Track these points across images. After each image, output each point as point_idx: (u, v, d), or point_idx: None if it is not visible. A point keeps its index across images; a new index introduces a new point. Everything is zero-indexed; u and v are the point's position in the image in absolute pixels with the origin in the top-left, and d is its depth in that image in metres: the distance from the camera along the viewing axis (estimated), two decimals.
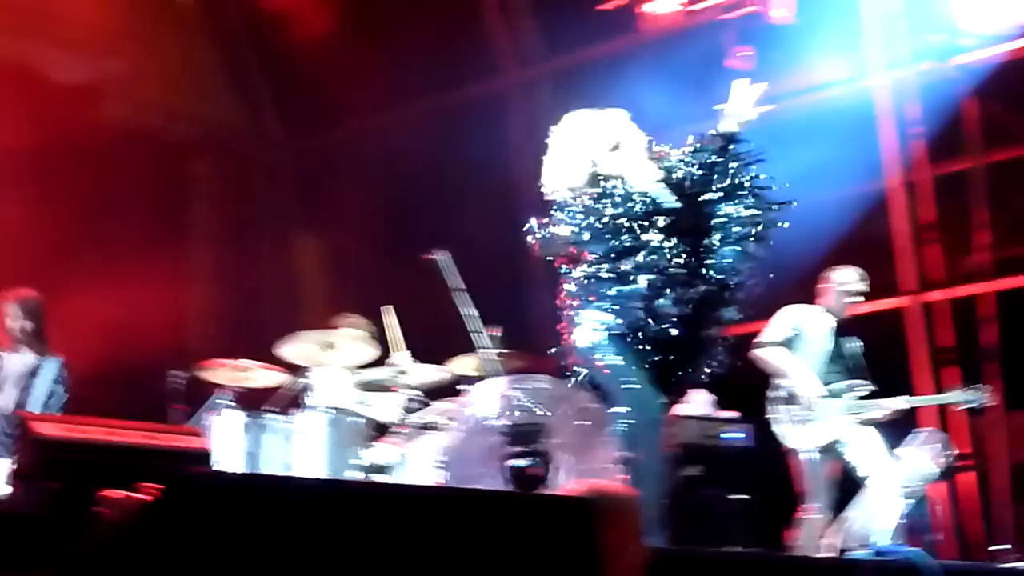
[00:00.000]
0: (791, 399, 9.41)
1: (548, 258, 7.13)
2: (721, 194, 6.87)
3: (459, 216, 13.07)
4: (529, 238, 7.00)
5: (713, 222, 6.84)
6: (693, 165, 6.93)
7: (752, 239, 6.94)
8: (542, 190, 7.34)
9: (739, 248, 6.93)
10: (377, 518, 4.00)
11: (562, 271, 7.11)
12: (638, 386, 6.83)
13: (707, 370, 7.02)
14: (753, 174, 6.97)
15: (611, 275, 6.87)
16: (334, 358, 9.62)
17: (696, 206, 6.86)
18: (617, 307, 6.85)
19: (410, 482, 8.64)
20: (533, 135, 13.42)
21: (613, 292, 6.87)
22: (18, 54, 13.26)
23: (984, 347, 12.82)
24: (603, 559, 4.16)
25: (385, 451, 9.46)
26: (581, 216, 6.91)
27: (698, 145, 6.98)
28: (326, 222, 15.47)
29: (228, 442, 8.93)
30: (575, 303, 6.96)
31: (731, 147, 6.90)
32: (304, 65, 14.91)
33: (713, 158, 6.87)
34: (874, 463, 9.08)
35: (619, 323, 6.77)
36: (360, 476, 8.97)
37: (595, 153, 7.27)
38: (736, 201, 6.90)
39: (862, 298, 9.82)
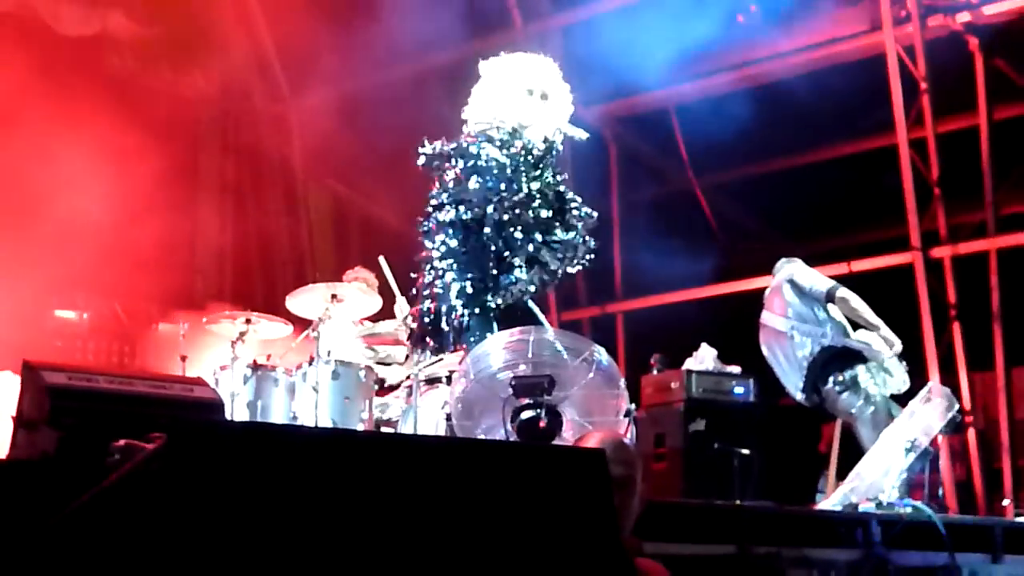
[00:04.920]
0: (876, 346, 9.19)
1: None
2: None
3: None
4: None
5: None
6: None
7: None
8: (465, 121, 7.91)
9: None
10: (384, 468, 4.00)
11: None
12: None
13: None
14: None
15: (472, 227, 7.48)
16: (341, 311, 9.61)
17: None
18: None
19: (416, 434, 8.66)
20: None
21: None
22: (23, 4, 13.21)
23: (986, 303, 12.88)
24: (613, 511, 4.18)
25: (391, 404, 9.48)
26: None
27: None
28: (333, 176, 15.49)
29: (234, 396, 8.95)
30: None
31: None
32: (307, 21, 14.86)
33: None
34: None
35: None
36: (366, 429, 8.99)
37: (526, 96, 7.66)
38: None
39: None
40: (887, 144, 13.26)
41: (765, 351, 9.64)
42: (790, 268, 9.60)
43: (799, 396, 9.43)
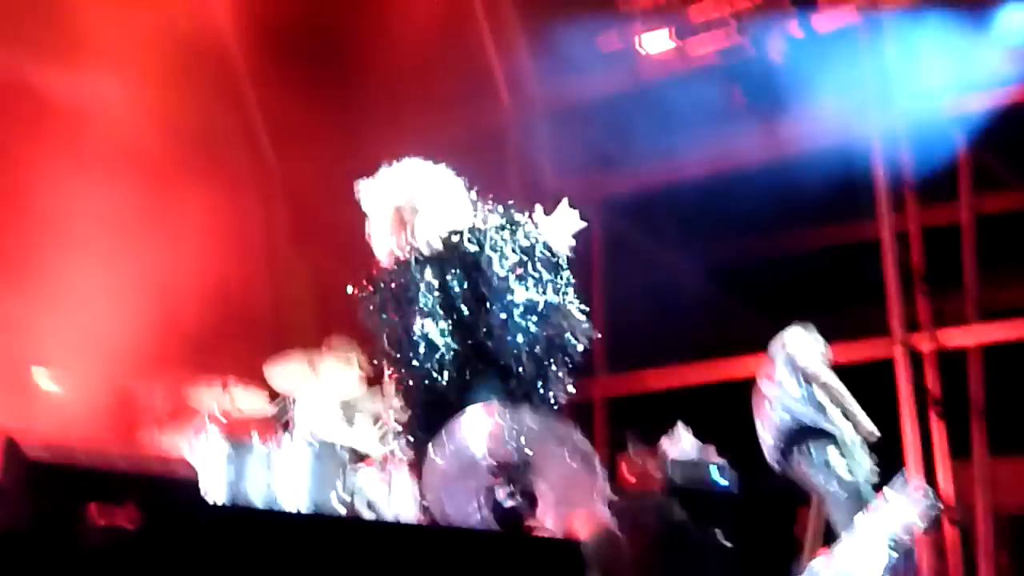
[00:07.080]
0: (846, 431, 9.22)
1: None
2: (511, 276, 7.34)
3: None
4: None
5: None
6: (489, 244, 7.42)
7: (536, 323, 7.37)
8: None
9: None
10: (360, 552, 3.98)
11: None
12: None
13: None
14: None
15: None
16: (319, 384, 9.59)
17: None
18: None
19: (392, 514, 8.60)
20: (528, 170, 13.48)
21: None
22: (15, 69, 13.21)
23: (968, 394, 12.89)
24: None
25: (368, 481, 9.42)
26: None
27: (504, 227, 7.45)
28: (317, 246, 15.47)
29: (209, 467, 8.90)
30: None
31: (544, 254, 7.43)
32: (297, 90, 14.90)
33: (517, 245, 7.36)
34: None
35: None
36: (341, 506, 8.93)
37: (401, 217, 7.52)
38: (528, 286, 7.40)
39: None
40: (870, 234, 13.30)
41: (756, 416, 9.63)
42: (789, 335, 9.60)
43: (771, 462, 9.43)
